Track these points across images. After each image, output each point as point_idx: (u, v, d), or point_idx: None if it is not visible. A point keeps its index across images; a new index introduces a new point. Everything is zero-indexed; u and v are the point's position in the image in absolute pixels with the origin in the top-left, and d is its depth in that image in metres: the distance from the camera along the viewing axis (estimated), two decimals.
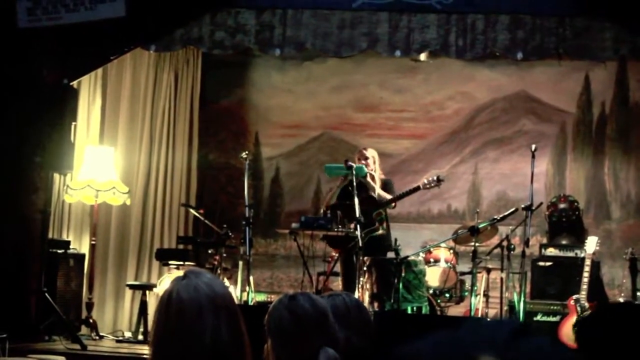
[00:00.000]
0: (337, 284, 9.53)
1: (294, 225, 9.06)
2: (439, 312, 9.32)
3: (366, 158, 9.55)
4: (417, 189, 9.45)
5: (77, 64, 9.55)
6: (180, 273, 2.97)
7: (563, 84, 11.40)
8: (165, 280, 9.42)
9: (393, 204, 9.52)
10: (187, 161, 11.75)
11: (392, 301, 8.64)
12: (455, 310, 9.91)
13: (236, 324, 2.88)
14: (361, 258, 8.30)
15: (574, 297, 8.96)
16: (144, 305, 9.88)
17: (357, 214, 8.31)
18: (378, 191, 9.47)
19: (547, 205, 10.60)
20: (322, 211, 9.31)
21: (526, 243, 8.56)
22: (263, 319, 3.48)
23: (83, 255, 10.18)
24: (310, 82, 12.03)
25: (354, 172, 8.75)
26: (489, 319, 8.94)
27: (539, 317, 9.25)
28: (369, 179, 9.49)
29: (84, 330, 9.77)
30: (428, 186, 9.42)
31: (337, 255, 9.33)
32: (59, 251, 9.65)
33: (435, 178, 9.41)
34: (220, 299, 2.87)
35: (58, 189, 10.04)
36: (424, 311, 8.96)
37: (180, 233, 11.35)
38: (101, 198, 10.15)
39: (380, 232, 9.34)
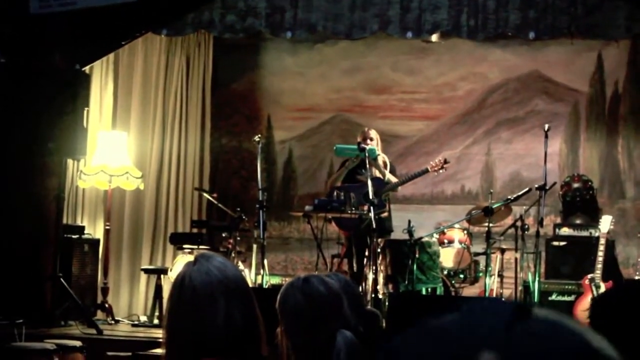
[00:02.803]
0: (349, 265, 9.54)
1: (307, 208, 9.06)
2: (453, 293, 9.32)
3: (371, 139, 9.53)
4: (425, 171, 9.46)
5: (88, 49, 9.55)
6: (192, 258, 2.97)
7: (576, 64, 11.35)
8: (178, 263, 9.44)
9: (398, 188, 9.54)
10: (200, 145, 11.76)
11: (407, 282, 8.65)
12: (470, 291, 9.91)
13: (250, 307, 2.88)
14: (375, 240, 8.30)
15: (589, 276, 8.95)
16: (159, 289, 9.91)
17: (371, 195, 8.30)
18: (388, 175, 9.47)
19: (560, 184, 10.58)
20: (334, 193, 9.29)
21: (540, 223, 8.55)
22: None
23: (97, 241, 10.21)
24: (322, 64, 12.01)
25: (366, 154, 8.74)
26: (485, 304, 8.93)
27: (553, 297, 9.23)
28: (379, 161, 9.49)
29: (100, 315, 9.80)
30: (436, 168, 9.43)
31: (346, 236, 9.36)
32: (74, 236, 9.68)
33: (442, 160, 9.43)
34: (233, 282, 2.87)
35: (72, 175, 10.06)
36: (438, 292, 8.96)
37: (194, 217, 11.38)
38: (115, 183, 10.17)
39: (385, 214, 9.35)
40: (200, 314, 2.79)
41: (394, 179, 9.46)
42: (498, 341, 0.93)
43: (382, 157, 9.59)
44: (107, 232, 10.30)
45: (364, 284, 8.32)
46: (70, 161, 9.66)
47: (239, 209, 9.73)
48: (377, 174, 9.45)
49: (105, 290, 9.95)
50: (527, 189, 9.05)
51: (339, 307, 3.43)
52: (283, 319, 3.43)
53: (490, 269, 8.98)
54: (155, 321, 9.67)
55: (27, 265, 8.93)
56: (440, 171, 9.56)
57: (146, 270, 10.61)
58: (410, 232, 8.81)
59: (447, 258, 9.50)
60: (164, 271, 10.10)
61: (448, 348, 0.95)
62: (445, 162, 9.43)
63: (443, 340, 0.96)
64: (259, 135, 9.43)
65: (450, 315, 1.00)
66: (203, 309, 2.79)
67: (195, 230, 10.61)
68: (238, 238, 9.71)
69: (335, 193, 9.20)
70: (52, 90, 8.96)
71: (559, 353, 0.94)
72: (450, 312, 1.00)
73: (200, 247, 9.64)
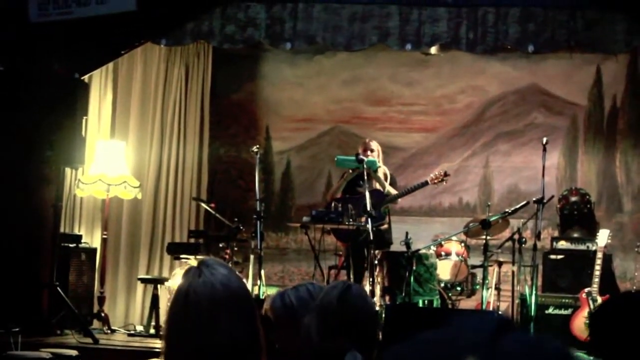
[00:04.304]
0: (344, 279, 9.53)
1: (305, 218, 9.07)
2: (450, 306, 9.32)
3: (372, 150, 9.55)
4: (425, 184, 9.48)
5: (88, 58, 9.56)
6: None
7: (574, 77, 11.36)
8: (177, 275, 9.41)
9: (398, 200, 9.55)
10: (198, 155, 11.76)
11: (404, 294, 8.65)
12: (467, 304, 9.91)
13: (252, 321, 2.86)
14: (372, 251, 8.30)
15: (586, 290, 8.95)
16: (155, 299, 9.90)
17: (369, 207, 8.30)
18: (387, 187, 9.48)
19: (558, 198, 10.59)
20: (332, 204, 9.28)
21: (537, 236, 8.55)
22: None
23: (95, 250, 10.21)
24: (321, 75, 12.02)
25: (364, 166, 8.75)
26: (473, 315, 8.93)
27: (550, 310, 9.23)
28: (379, 173, 9.50)
29: (96, 324, 9.79)
30: (435, 181, 9.45)
31: (345, 248, 9.35)
32: (71, 245, 9.68)
33: (442, 173, 9.45)
34: (237, 296, 2.85)
35: (69, 183, 10.06)
36: (435, 304, 8.96)
37: (192, 227, 11.37)
38: (112, 192, 10.17)
39: (385, 226, 9.35)
40: (202, 329, 2.77)
41: (393, 191, 9.47)
42: (482, 349, 0.95)
43: (382, 169, 9.60)
44: (104, 241, 10.30)
45: None
46: (68, 170, 9.65)
47: (236, 219, 9.72)
48: (377, 185, 9.46)
49: (101, 300, 9.94)
50: (524, 202, 9.05)
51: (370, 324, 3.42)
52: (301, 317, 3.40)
53: (487, 281, 8.98)
54: (152, 331, 9.66)
55: (24, 273, 8.92)
56: (442, 183, 9.59)
57: (143, 280, 10.59)
58: (407, 244, 8.82)
59: (444, 270, 9.50)
60: (161, 281, 10.09)
61: (436, 355, 0.97)
62: (446, 174, 9.45)
63: (431, 350, 0.99)
64: (257, 146, 9.42)
65: (439, 328, 1.03)
66: (206, 323, 2.77)
67: (192, 240, 10.60)
68: (235, 248, 9.72)
69: (332, 204, 9.20)
70: (50, 98, 8.96)
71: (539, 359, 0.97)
72: (441, 325, 1.03)
73: (197, 257, 9.63)
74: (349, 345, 3.33)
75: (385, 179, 9.57)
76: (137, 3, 9.00)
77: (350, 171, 9.39)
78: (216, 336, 2.76)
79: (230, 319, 2.78)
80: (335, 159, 9.58)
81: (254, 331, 2.85)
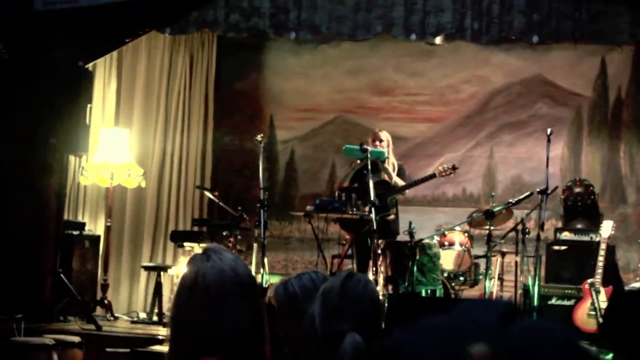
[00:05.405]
0: (350, 267, 9.53)
1: (308, 207, 9.07)
2: (453, 296, 9.32)
3: (380, 140, 9.54)
4: (432, 176, 9.48)
5: (92, 46, 9.55)
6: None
7: (579, 68, 11.35)
8: (182, 262, 9.42)
9: (405, 191, 9.55)
10: (202, 144, 11.76)
11: (407, 284, 8.65)
12: (470, 294, 9.90)
13: (257, 307, 2.87)
14: (376, 241, 8.31)
15: (589, 281, 8.94)
16: (158, 287, 9.91)
17: (372, 196, 8.31)
18: (395, 178, 9.47)
19: (562, 189, 10.58)
20: (336, 193, 9.29)
21: (541, 227, 8.54)
22: None
23: (98, 237, 10.22)
24: (325, 65, 12.01)
25: (368, 155, 8.74)
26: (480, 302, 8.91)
27: (553, 301, 9.23)
28: (387, 164, 9.49)
29: (99, 311, 9.80)
30: (443, 174, 9.45)
31: (350, 238, 9.35)
32: (75, 233, 9.69)
33: (450, 166, 9.44)
34: (244, 282, 2.85)
35: (73, 171, 10.07)
36: (438, 294, 8.96)
37: (195, 215, 11.39)
38: (116, 180, 10.18)
39: (392, 217, 9.35)
40: (209, 314, 2.77)
41: (401, 182, 9.47)
42: (489, 335, 0.95)
43: (391, 160, 9.59)
44: (108, 229, 10.31)
45: None
46: (72, 158, 9.66)
47: (240, 208, 9.73)
48: (385, 176, 9.45)
49: (105, 287, 9.95)
50: (528, 192, 9.03)
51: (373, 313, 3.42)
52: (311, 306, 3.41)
53: (490, 272, 8.97)
54: (155, 318, 9.68)
55: (28, 260, 8.94)
56: (450, 176, 9.61)
57: (146, 268, 10.61)
58: (411, 233, 8.81)
59: (448, 260, 9.50)
60: (164, 268, 10.11)
61: (442, 341, 0.97)
62: (454, 168, 9.44)
63: (438, 335, 0.98)
64: (262, 135, 9.43)
65: (446, 314, 1.02)
66: (213, 309, 2.77)
67: (196, 229, 10.61)
68: (239, 237, 9.72)
69: (337, 194, 9.21)
70: (55, 87, 8.97)
71: (547, 346, 0.96)
72: (446, 312, 1.03)
73: (201, 245, 9.64)
74: (350, 329, 3.34)
75: (394, 169, 9.57)
76: None
77: (359, 161, 9.37)
78: (222, 322, 2.76)
79: (237, 305, 2.79)
80: (344, 148, 9.57)
81: (258, 318, 2.86)
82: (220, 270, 2.80)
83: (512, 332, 0.97)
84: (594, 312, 8.61)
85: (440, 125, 11.77)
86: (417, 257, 8.71)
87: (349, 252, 9.30)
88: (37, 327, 8.10)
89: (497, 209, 9.14)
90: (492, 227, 9.05)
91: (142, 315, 10.22)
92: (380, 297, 8.23)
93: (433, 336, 0.99)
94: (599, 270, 8.94)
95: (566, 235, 10.05)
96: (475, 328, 0.96)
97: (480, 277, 9.56)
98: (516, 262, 9.12)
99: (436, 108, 11.79)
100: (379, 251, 8.51)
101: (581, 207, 10.51)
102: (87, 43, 9.44)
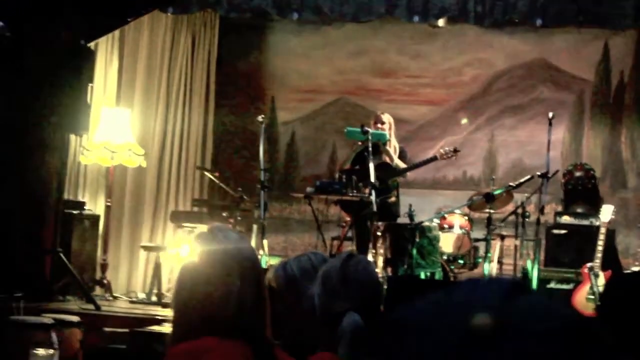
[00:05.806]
0: (351, 248, 9.54)
1: (308, 189, 9.07)
2: (452, 278, 9.33)
3: (382, 122, 9.53)
4: (434, 159, 9.47)
5: (94, 25, 9.53)
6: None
7: (582, 52, 11.32)
8: (184, 241, 9.42)
9: (406, 174, 9.55)
10: (203, 124, 11.75)
11: (406, 266, 8.65)
12: (469, 277, 9.91)
13: (260, 289, 2.87)
14: (375, 223, 8.31)
15: (588, 265, 8.93)
16: (158, 267, 9.92)
17: (372, 178, 8.30)
18: (396, 160, 9.47)
19: (563, 173, 10.55)
20: (337, 175, 9.29)
21: (541, 210, 8.53)
22: None
23: (98, 217, 10.23)
24: (328, 47, 11.98)
25: (370, 138, 8.73)
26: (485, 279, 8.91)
27: (552, 285, 9.22)
28: (388, 146, 9.48)
29: (98, 290, 9.82)
30: (445, 157, 9.44)
31: (350, 220, 9.35)
32: (74, 212, 9.70)
33: (452, 149, 9.44)
34: (249, 260, 2.85)
35: (74, 150, 10.07)
36: (437, 277, 8.96)
37: (195, 195, 11.39)
38: (117, 160, 10.17)
39: (392, 199, 9.35)
40: (214, 294, 2.77)
41: (402, 165, 9.46)
42: (494, 308, 0.95)
43: (393, 142, 9.58)
44: (107, 209, 10.31)
45: None
46: (72, 136, 9.66)
47: (240, 189, 9.74)
48: (386, 158, 9.45)
49: (104, 267, 9.97)
50: (529, 176, 9.03)
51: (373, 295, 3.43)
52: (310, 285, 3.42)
53: (489, 255, 8.98)
54: (154, 298, 9.70)
55: (27, 239, 8.94)
56: (452, 159, 9.61)
57: (146, 248, 10.62)
58: (410, 216, 8.81)
59: (447, 243, 9.50)
60: (164, 249, 10.12)
61: (446, 316, 0.97)
62: (456, 151, 9.43)
63: (442, 310, 0.99)
64: (263, 116, 9.41)
65: (449, 289, 1.03)
66: (218, 289, 2.77)
67: (196, 209, 10.62)
68: (239, 218, 9.73)
69: (337, 175, 9.20)
70: (56, 65, 8.95)
71: (551, 321, 0.96)
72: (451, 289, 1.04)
73: (200, 225, 9.64)
74: (349, 310, 3.35)
75: (395, 152, 9.56)
76: None
77: (360, 143, 9.36)
78: (227, 302, 2.76)
79: (241, 284, 2.79)
80: (345, 130, 9.55)
81: (261, 299, 2.86)
82: (225, 249, 2.81)
83: (520, 306, 0.97)
84: (592, 296, 8.60)
85: (442, 107, 11.76)
86: (417, 240, 8.71)
87: (349, 234, 9.31)
88: (36, 306, 8.09)
89: (497, 192, 9.14)
90: (492, 211, 9.06)
91: (141, 295, 10.23)
92: (380, 279, 8.27)
93: (437, 311, 1.00)
94: (598, 255, 8.93)
95: (566, 219, 10.03)
96: (480, 303, 0.97)
97: (480, 260, 9.56)
98: (516, 246, 9.12)
99: (438, 91, 11.77)
100: (379, 233, 8.51)
101: (581, 191, 10.49)
102: (89, 22, 9.42)
